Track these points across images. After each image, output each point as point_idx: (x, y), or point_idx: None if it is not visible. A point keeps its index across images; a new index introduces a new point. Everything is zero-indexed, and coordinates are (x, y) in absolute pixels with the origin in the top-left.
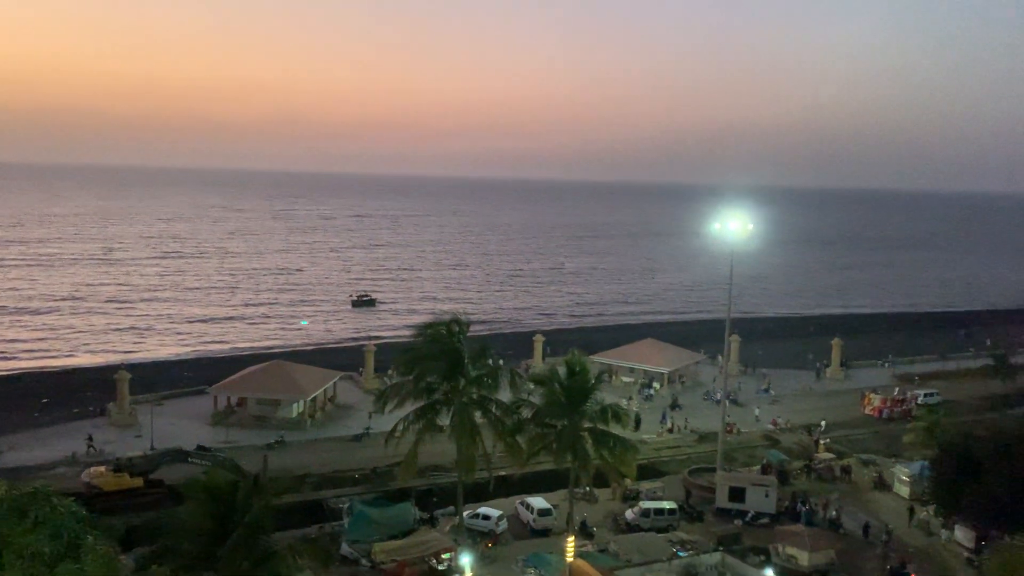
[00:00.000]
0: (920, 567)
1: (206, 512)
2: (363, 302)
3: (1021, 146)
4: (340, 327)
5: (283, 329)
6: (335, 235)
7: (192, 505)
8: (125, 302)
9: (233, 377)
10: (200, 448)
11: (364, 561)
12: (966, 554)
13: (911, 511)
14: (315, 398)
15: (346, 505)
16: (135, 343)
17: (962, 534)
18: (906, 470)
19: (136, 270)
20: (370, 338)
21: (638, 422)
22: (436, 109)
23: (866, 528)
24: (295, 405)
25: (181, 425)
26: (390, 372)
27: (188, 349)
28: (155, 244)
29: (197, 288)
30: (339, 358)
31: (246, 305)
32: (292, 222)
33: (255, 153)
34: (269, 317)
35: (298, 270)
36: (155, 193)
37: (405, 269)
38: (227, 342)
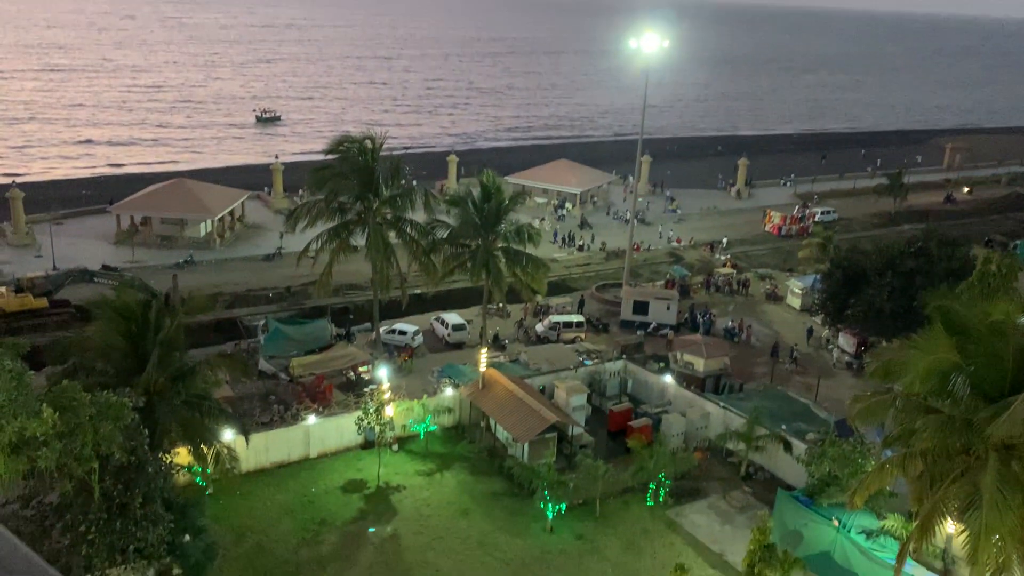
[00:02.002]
0: (806, 371)
1: (117, 331)
2: (268, 118)
3: None
4: (243, 146)
5: (181, 151)
6: (232, 47)
7: (102, 324)
8: (2, 120)
9: (136, 195)
10: (105, 268)
11: (282, 375)
12: (847, 359)
13: (810, 331)
14: (223, 217)
15: (261, 322)
16: (21, 163)
17: (844, 341)
18: (799, 283)
19: (13, 84)
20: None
21: (570, 239)
22: None
23: (775, 347)
24: (202, 225)
25: (83, 245)
26: (301, 192)
27: (82, 169)
28: (35, 55)
29: (84, 105)
30: (244, 177)
31: (141, 124)
32: (186, 32)
33: None
34: (167, 137)
35: (195, 86)
36: None
37: (313, 87)
38: (122, 164)
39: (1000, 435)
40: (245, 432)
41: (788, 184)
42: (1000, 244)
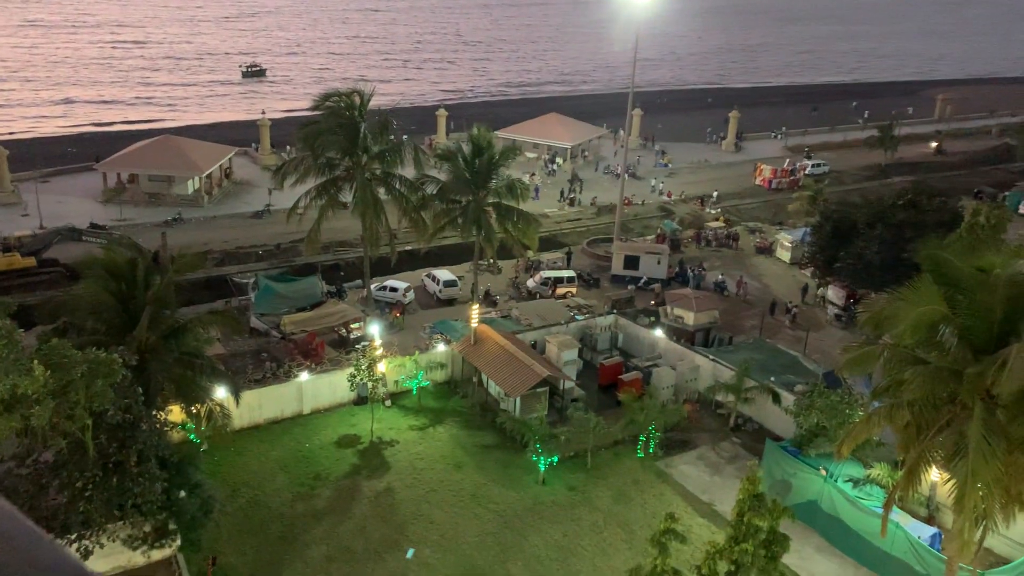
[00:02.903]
0: (800, 326)
1: (107, 289)
2: (253, 72)
3: None
4: (230, 103)
5: (166, 109)
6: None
7: (91, 283)
8: None
9: (122, 152)
10: (93, 226)
11: (274, 332)
12: (835, 311)
13: (804, 288)
14: (211, 174)
15: (252, 280)
16: (3, 121)
17: (833, 293)
18: (789, 236)
19: None
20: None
21: (570, 191)
22: None
23: (772, 305)
24: (190, 181)
25: (70, 203)
26: (289, 148)
27: (66, 128)
28: (11, 10)
29: (65, 63)
30: (231, 133)
31: (124, 82)
32: None
33: None
34: (151, 94)
35: (178, 42)
36: None
37: (298, 42)
38: (107, 123)
39: (1008, 390)
40: (237, 390)
41: (779, 137)
42: (989, 195)
